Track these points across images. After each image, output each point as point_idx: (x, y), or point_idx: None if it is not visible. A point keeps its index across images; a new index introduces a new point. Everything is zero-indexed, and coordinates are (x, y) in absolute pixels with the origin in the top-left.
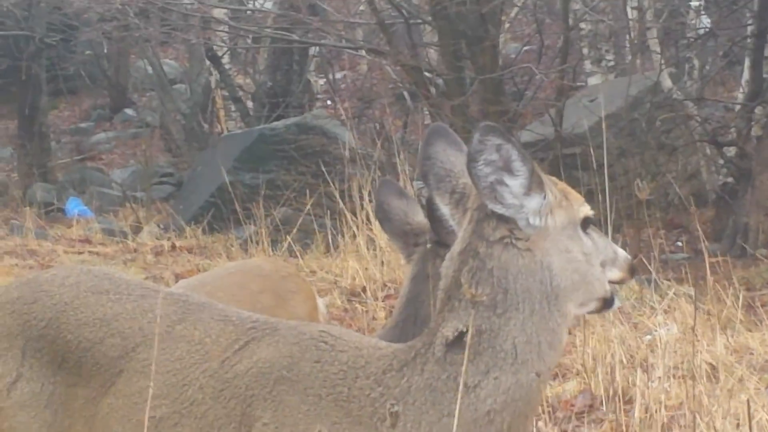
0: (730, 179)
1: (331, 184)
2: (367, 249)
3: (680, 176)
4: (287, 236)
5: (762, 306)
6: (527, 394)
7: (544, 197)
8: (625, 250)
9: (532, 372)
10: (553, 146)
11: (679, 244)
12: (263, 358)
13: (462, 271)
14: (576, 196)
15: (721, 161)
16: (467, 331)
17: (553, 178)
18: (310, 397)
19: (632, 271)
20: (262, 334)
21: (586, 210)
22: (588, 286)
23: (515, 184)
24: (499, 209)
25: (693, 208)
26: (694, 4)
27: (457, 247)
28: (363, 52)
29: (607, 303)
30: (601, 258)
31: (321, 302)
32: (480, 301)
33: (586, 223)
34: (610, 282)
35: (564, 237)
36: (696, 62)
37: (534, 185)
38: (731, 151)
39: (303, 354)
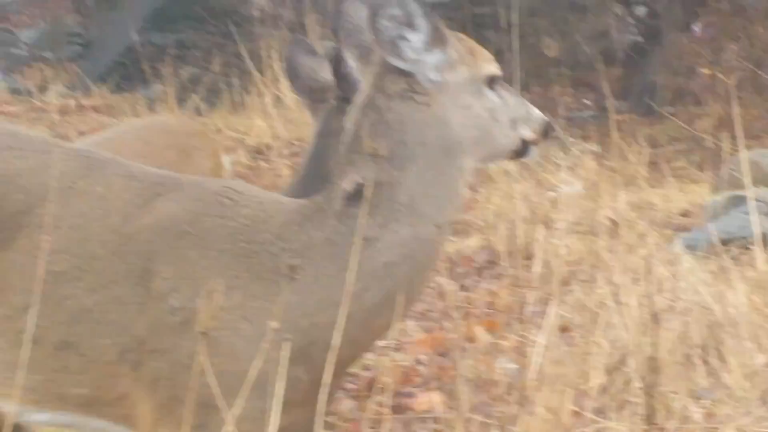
0: (639, 38)
1: (240, 44)
2: (274, 108)
3: (590, 35)
4: (194, 95)
5: (666, 162)
6: (426, 248)
7: (446, 53)
8: None
9: (430, 225)
10: (462, 5)
11: (586, 102)
12: (166, 214)
13: (362, 125)
14: (483, 54)
15: (631, 20)
16: (366, 184)
17: (462, 35)
18: (212, 252)
19: (546, 131)
20: (166, 190)
21: (492, 68)
22: (492, 141)
23: (416, 39)
24: (399, 63)
25: (601, 66)
26: None
27: (358, 100)
28: None
29: (518, 154)
30: (511, 115)
31: (226, 159)
32: (379, 154)
33: (493, 80)
34: (524, 140)
35: (466, 93)
36: None
37: (436, 41)
38: (641, 10)
39: (206, 209)
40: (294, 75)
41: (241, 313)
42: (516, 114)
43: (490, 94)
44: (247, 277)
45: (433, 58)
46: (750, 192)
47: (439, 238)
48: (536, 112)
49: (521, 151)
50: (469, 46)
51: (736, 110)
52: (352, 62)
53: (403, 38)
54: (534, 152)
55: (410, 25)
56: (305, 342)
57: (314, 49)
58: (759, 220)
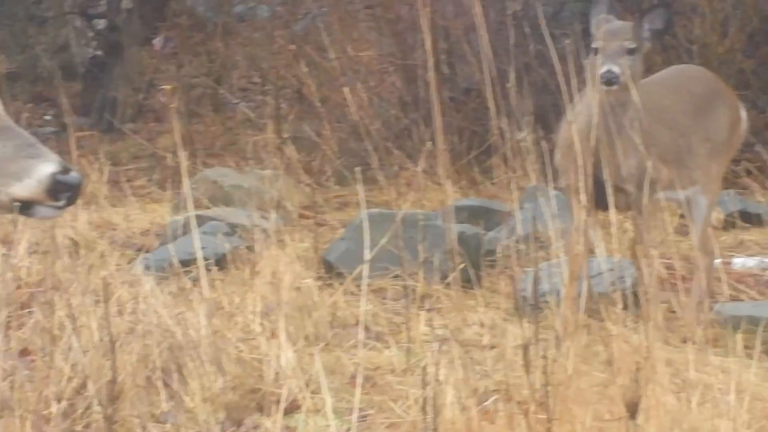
0: (99, 52)
1: None
2: None
3: (49, 48)
4: None
5: (127, 181)
6: None
7: None
8: None
9: None
10: None
11: (47, 118)
12: None
13: None
14: None
15: (91, 34)
16: None
17: None
18: None
19: (53, 192)
20: None
21: None
22: None
23: None
24: None
25: (61, 82)
26: None
27: None
28: None
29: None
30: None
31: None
32: None
33: None
34: (17, 198)
35: None
36: None
37: None
38: (101, 23)
39: None
40: None
41: None
42: (6, 169)
43: None
44: None
45: None
46: (211, 212)
47: None
48: (42, 171)
49: (23, 208)
50: None
51: (195, 128)
52: None
53: None
54: (47, 212)
55: None
56: None
57: None
58: (219, 240)
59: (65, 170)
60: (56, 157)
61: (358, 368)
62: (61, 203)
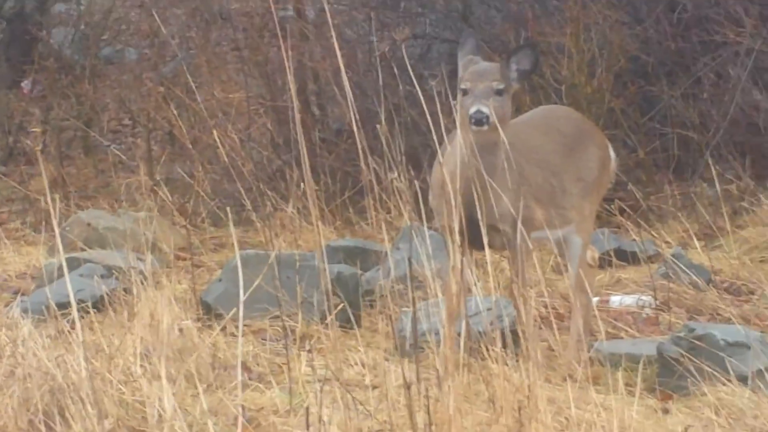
0: None
1: None
2: None
3: None
4: None
5: (0, 224)
6: None
7: None
8: None
9: None
10: None
11: None
12: None
13: None
14: None
15: None
16: None
17: None
18: None
19: None
20: None
21: None
22: None
23: None
24: None
25: None
26: None
27: None
28: None
29: None
30: None
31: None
32: None
33: None
34: None
35: None
36: None
37: None
38: None
39: None
40: None
41: None
42: None
43: None
44: None
45: None
46: (86, 254)
47: None
48: None
49: None
50: None
51: (67, 170)
52: None
53: None
54: None
55: None
56: None
57: None
58: (96, 282)
59: None
60: None
61: (241, 410)
62: None
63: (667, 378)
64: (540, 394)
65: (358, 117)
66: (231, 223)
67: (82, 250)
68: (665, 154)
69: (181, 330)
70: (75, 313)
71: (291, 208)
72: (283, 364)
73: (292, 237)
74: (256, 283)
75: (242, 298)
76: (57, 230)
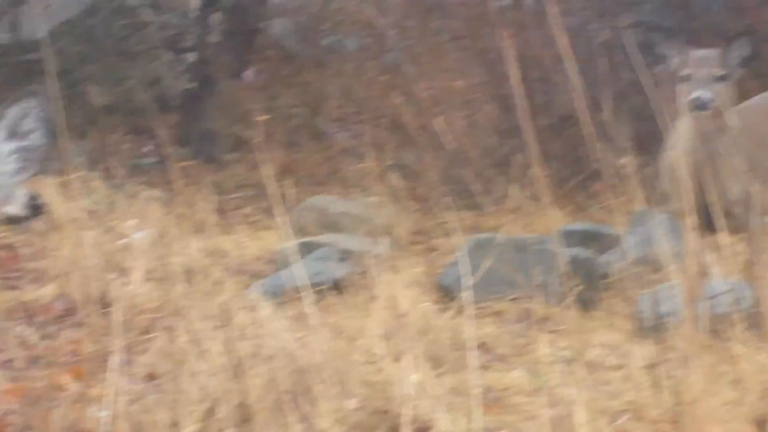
0: (192, 85)
1: None
2: None
3: (143, 82)
4: None
5: (234, 209)
6: None
7: None
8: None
9: None
10: (10, 53)
11: (148, 148)
12: None
13: None
14: None
15: (182, 67)
16: None
17: None
18: None
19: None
20: None
21: None
22: None
23: None
24: None
25: (156, 113)
26: None
27: None
28: None
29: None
30: None
31: None
32: None
33: None
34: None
35: None
36: None
37: None
38: (192, 57)
39: None
40: None
41: None
42: None
43: None
44: None
45: None
46: (321, 238)
47: None
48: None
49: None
50: None
51: (295, 157)
52: None
53: None
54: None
55: None
56: None
57: None
58: (333, 265)
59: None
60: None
61: (484, 390)
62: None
63: None
64: None
65: (582, 104)
66: (464, 209)
67: (315, 235)
68: None
69: (419, 312)
70: (311, 296)
71: (521, 193)
72: (523, 345)
73: (523, 221)
74: (486, 265)
75: (470, 282)
76: (288, 216)
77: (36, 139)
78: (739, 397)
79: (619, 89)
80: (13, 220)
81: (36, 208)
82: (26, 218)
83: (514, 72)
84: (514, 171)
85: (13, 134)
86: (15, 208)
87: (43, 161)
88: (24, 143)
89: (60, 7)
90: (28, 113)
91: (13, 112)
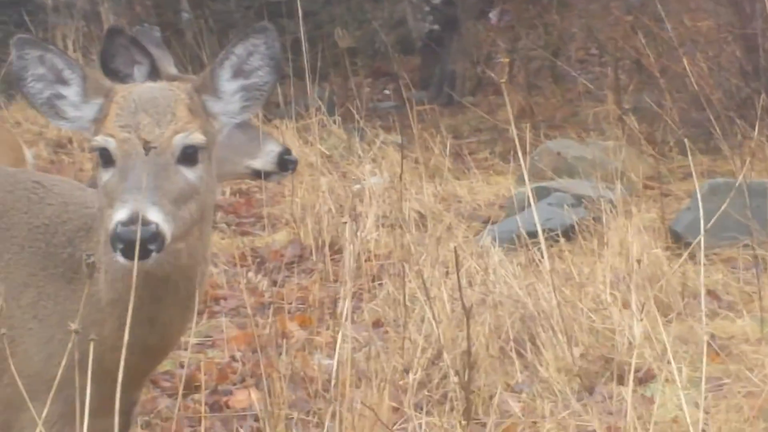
0: (436, 27)
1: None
2: None
3: (387, 24)
4: None
5: (470, 154)
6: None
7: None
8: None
9: None
10: None
11: (387, 92)
12: None
13: None
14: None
15: (427, 8)
16: None
17: None
18: (14, 247)
19: (117, 239)
20: None
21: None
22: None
23: (71, 92)
24: (64, 125)
25: (399, 56)
26: None
27: None
28: None
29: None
30: (107, 199)
31: (28, 153)
32: None
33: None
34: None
35: None
36: None
37: (90, 91)
38: None
39: (15, 203)
40: (107, 66)
41: (33, 313)
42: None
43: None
44: (44, 277)
45: (91, 110)
46: (555, 183)
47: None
48: (120, 214)
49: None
50: None
51: (534, 100)
52: None
53: (60, 96)
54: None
55: (61, 80)
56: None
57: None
58: (565, 211)
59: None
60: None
61: (709, 338)
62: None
63: None
64: None
65: None
66: (702, 152)
67: (551, 179)
68: None
69: (649, 259)
70: (543, 242)
71: (760, 136)
72: (753, 292)
73: (762, 166)
74: (721, 209)
75: (704, 228)
76: (525, 160)
77: (261, 77)
78: None
79: None
80: (259, 174)
81: (284, 164)
82: (274, 174)
83: (761, 10)
84: (755, 114)
85: (239, 72)
86: (262, 163)
87: (268, 102)
88: (248, 81)
89: None
90: (254, 51)
91: (239, 49)
